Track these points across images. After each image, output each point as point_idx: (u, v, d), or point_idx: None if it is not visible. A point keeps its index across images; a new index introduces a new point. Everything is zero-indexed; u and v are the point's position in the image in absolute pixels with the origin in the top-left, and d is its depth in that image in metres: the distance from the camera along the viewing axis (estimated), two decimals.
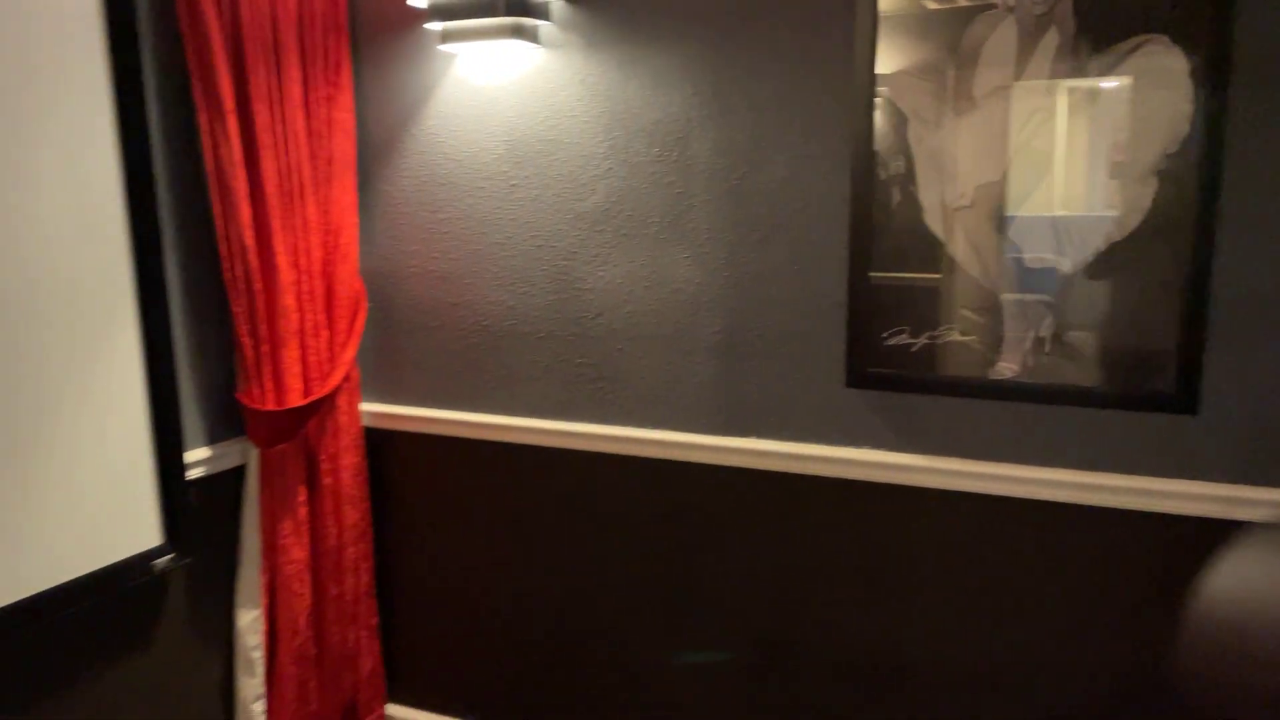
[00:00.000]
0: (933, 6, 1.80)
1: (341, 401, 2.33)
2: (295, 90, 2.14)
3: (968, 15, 1.78)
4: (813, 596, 2.10)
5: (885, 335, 1.94)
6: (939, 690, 2.02)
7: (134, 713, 1.98)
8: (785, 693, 2.16)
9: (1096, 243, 1.75)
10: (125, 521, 1.88)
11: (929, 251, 1.88)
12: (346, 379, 2.32)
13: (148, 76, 1.93)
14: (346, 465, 2.36)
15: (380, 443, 2.51)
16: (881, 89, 1.87)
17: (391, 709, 2.62)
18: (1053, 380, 1.82)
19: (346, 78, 2.29)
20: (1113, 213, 1.73)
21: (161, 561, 1.96)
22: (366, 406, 2.49)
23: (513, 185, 2.26)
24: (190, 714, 2.12)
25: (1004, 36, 1.76)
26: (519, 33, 2.13)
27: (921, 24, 1.82)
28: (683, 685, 2.26)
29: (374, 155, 2.41)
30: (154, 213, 1.90)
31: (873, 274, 1.93)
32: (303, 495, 2.25)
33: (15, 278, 1.66)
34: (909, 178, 1.88)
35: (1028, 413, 1.86)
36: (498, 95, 2.24)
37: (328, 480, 2.31)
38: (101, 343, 1.82)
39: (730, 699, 2.22)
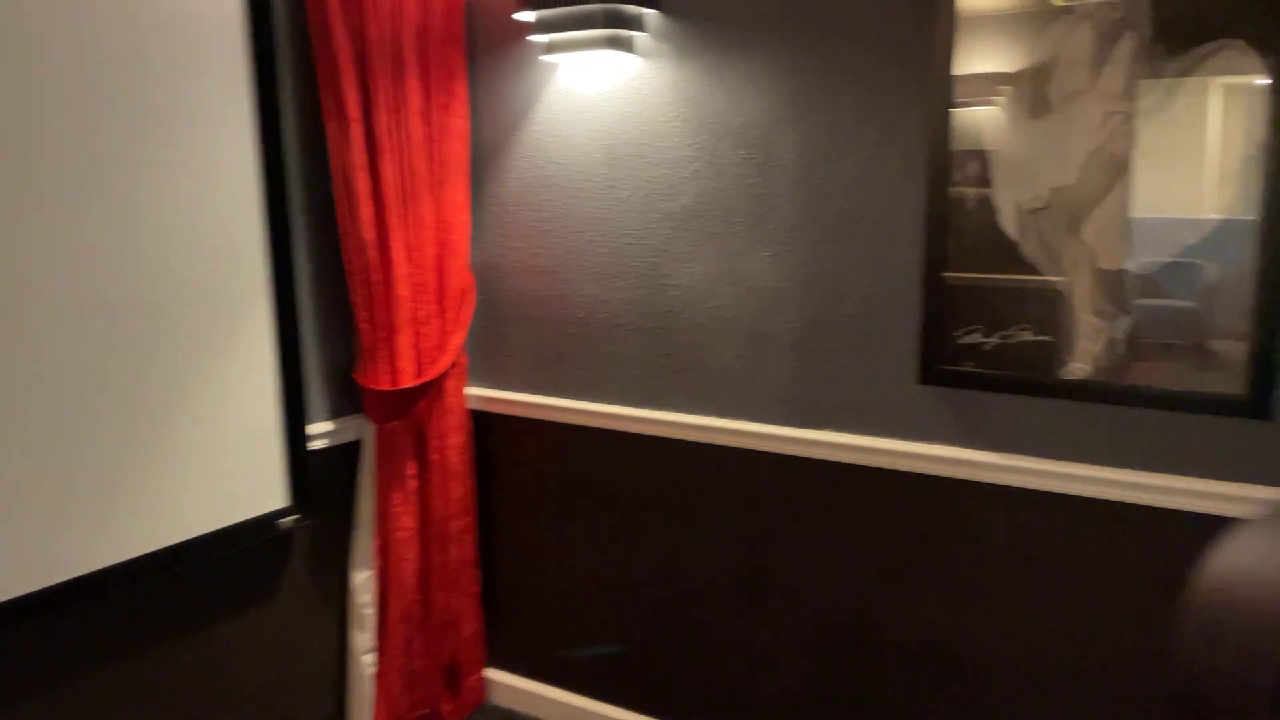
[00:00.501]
0: (1010, 10, 1.83)
1: (449, 385, 2.53)
2: (414, 99, 2.34)
3: (1045, 19, 1.81)
4: (883, 586, 2.16)
5: (958, 334, 1.99)
6: (1006, 682, 2.04)
7: (260, 656, 2.23)
8: (855, 676, 2.23)
9: (1176, 247, 1.75)
10: (256, 484, 2.13)
11: (1002, 252, 1.91)
12: (454, 364, 2.52)
13: (283, 89, 2.17)
14: (453, 444, 2.56)
15: (484, 424, 2.71)
16: (958, 92, 1.91)
17: (490, 672, 2.82)
18: (1125, 381, 1.82)
19: (461, 87, 2.49)
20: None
21: (286, 521, 2.20)
22: (472, 390, 2.69)
23: (608, 186, 2.41)
24: (308, 662, 2.36)
25: (1080, 41, 1.78)
26: (616, 43, 2.27)
27: (999, 28, 1.85)
28: (759, 663, 2.36)
29: (484, 158, 2.61)
30: (286, 210, 2.14)
31: (946, 274, 1.98)
32: (413, 469, 2.46)
33: (168, 266, 1.92)
34: (984, 180, 1.92)
35: (1098, 413, 1.88)
36: (596, 102, 2.39)
37: (435, 457, 2.52)
38: (239, 324, 2.06)
39: (803, 679, 2.30)
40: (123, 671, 1.93)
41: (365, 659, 2.42)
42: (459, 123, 2.49)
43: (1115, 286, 1.81)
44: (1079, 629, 1.95)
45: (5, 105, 1.63)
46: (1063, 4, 1.78)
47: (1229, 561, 0.68)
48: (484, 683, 2.78)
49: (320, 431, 2.31)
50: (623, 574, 2.54)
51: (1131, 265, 1.79)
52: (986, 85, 1.89)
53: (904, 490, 2.10)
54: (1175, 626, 0.71)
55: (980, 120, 1.90)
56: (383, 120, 2.26)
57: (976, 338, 1.97)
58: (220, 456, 2.04)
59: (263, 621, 2.23)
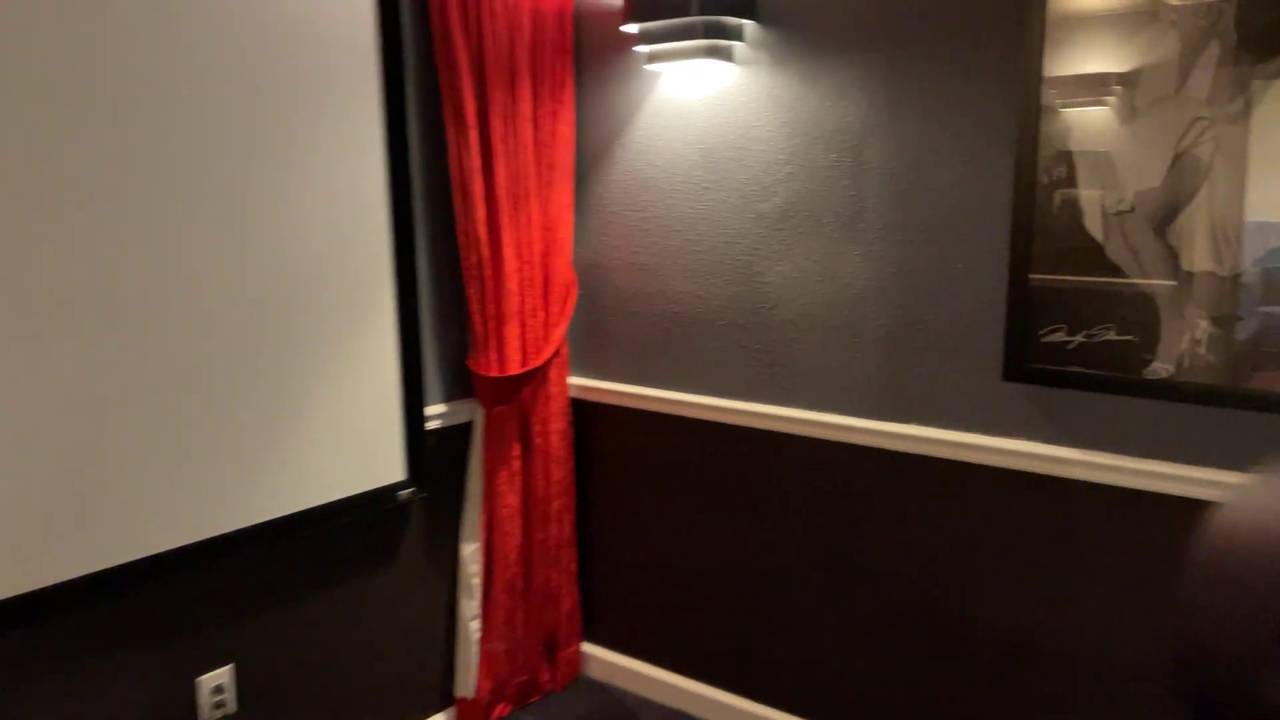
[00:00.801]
0: (1098, 16, 1.89)
1: (553, 374, 2.70)
2: (526, 107, 2.52)
3: (1133, 27, 1.86)
4: (966, 576, 2.23)
5: (1042, 332, 2.05)
6: (1089, 675, 2.09)
7: (381, 613, 2.45)
8: (938, 664, 2.30)
9: (1261, 249, 1.78)
10: (379, 458, 2.34)
11: (1088, 253, 1.97)
12: (557, 354, 2.70)
13: (409, 99, 2.37)
14: (555, 429, 2.74)
15: (584, 412, 2.87)
16: (1046, 98, 1.97)
17: (586, 647, 2.98)
18: (1207, 381, 1.86)
19: (569, 95, 2.66)
20: None
21: (404, 493, 2.41)
22: (574, 380, 2.86)
23: (704, 189, 2.54)
24: (421, 623, 2.57)
25: (1167, 47, 1.83)
26: (715, 53, 2.40)
27: (1088, 33, 1.91)
28: (845, 648, 2.46)
29: (589, 162, 2.77)
30: (410, 211, 2.34)
31: (1032, 274, 2.04)
32: (517, 451, 2.64)
33: (307, 264, 2.14)
34: (1070, 182, 1.97)
35: (1181, 412, 1.91)
36: (695, 108, 2.53)
37: (538, 441, 2.70)
38: (367, 315, 2.28)
39: (887, 665, 2.39)
40: (267, 616, 2.16)
41: (472, 625, 2.62)
42: (566, 129, 2.66)
43: (1212, 289, 1.85)
44: (1164, 625, 1.98)
45: (175, 121, 1.86)
46: (1155, 7, 1.83)
47: (1233, 511, 0.65)
48: (580, 656, 2.96)
49: (436, 413, 2.51)
50: (714, 558, 2.67)
51: (1217, 269, 1.83)
52: (1074, 90, 1.94)
53: (986, 483, 2.17)
54: (1181, 580, 0.70)
55: (1068, 124, 1.96)
56: (497, 127, 2.44)
57: (1060, 336, 2.03)
58: (350, 433, 2.26)
59: (384, 583, 2.44)
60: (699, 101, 2.52)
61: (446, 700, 2.66)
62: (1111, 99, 1.90)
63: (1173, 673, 0.68)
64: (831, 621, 2.47)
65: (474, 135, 2.39)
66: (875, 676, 2.41)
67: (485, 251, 2.46)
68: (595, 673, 2.98)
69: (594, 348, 2.84)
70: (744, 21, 2.40)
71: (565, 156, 2.67)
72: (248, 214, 2.00)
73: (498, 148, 2.45)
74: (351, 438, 2.27)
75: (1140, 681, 2.02)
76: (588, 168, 2.78)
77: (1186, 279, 1.87)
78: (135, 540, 1.87)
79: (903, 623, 2.35)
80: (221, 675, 2.08)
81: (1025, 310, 2.06)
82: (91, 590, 1.81)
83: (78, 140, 1.73)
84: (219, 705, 2.08)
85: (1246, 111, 1.77)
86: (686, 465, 2.68)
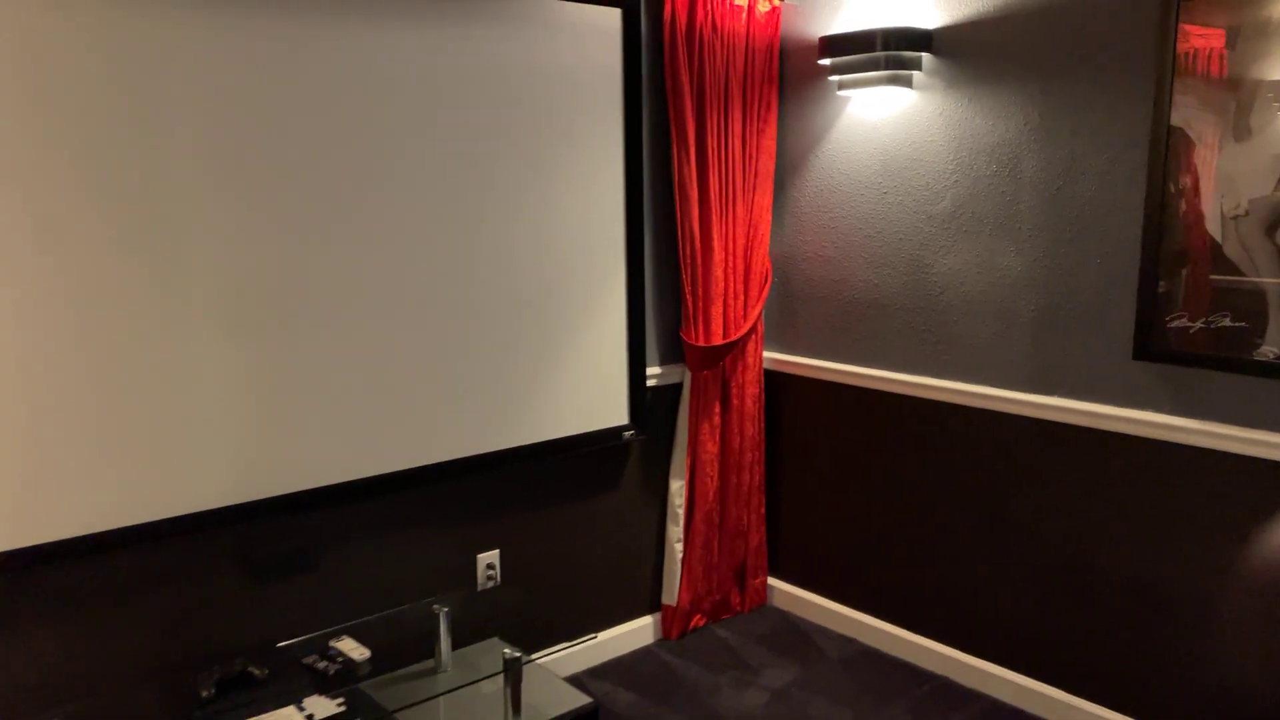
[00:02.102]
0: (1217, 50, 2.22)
1: (749, 347, 3.27)
2: (737, 127, 3.09)
3: (1250, 55, 2.17)
4: (1095, 530, 2.59)
5: (1168, 318, 2.39)
6: (1198, 620, 2.41)
7: (605, 530, 3.11)
8: (1070, 606, 2.67)
9: None
10: (608, 405, 3.00)
11: (1208, 252, 2.29)
12: (753, 330, 3.26)
13: (643, 125, 3.00)
14: (750, 394, 3.30)
15: (776, 381, 3.42)
16: (1175, 118, 2.32)
17: (772, 580, 3.53)
18: None
19: (774, 115, 3.20)
20: None
21: (627, 434, 3.06)
22: (767, 354, 3.41)
23: (884, 193, 3.01)
24: (637, 540, 3.21)
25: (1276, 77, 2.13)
26: (896, 80, 2.87)
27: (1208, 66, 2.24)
28: (993, 591, 2.87)
29: (787, 170, 3.30)
30: (640, 212, 2.98)
31: (1160, 269, 2.38)
32: (717, 409, 3.23)
33: (562, 255, 2.81)
34: (1194, 191, 2.31)
35: None
36: (878, 126, 3.01)
37: (735, 402, 3.27)
38: (605, 293, 2.93)
39: (1026, 605, 2.78)
40: (524, 518, 2.87)
41: (676, 546, 3.23)
42: (770, 143, 3.21)
43: None
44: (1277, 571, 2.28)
45: (475, 150, 2.58)
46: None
47: None
48: (766, 586, 3.51)
49: (654, 373, 3.14)
50: (883, 509, 3.14)
51: None
52: (1197, 114, 2.27)
53: (1117, 449, 2.53)
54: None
55: (1192, 142, 2.29)
56: (710, 144, 3.03)
57: (1183, 322, 2.36)
58: (588, 383, 2.92)
59: (609, 504, 3.10)
60: (881, 120, 3.00)
61: (654, 606, 3.29)
62: (1229, 121, 2.22)
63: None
64: (982, 566, 2.88)
65: (692, 151, 2.99)
66: (1017, 615, 2.80)
67: (697, 245, 3.05)
68: (778, 602, 3.52)
69: (785, 326, 3.38)
70: (921, 54, 2.85)
71: (768, 166, 3.22)
72: (522, 217, 2.70)
73: (711, 161, 3.04)
74: (590, 387, 2.93)
75: (1248, 622, 2.33)
76: (786, 175, 3.31)
77: None
78: (439, 447, 2.61)
79: (1043, 568, 2.73)
80: (492, 555, 2.81)
81: (1152, 299, 2.40)
82: (409, 480, 2.56)
83: (416, 164, 2.47)
84: (490, 577, 2.81)
85: None
86: (862, 429, 3.17)
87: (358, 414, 2.44)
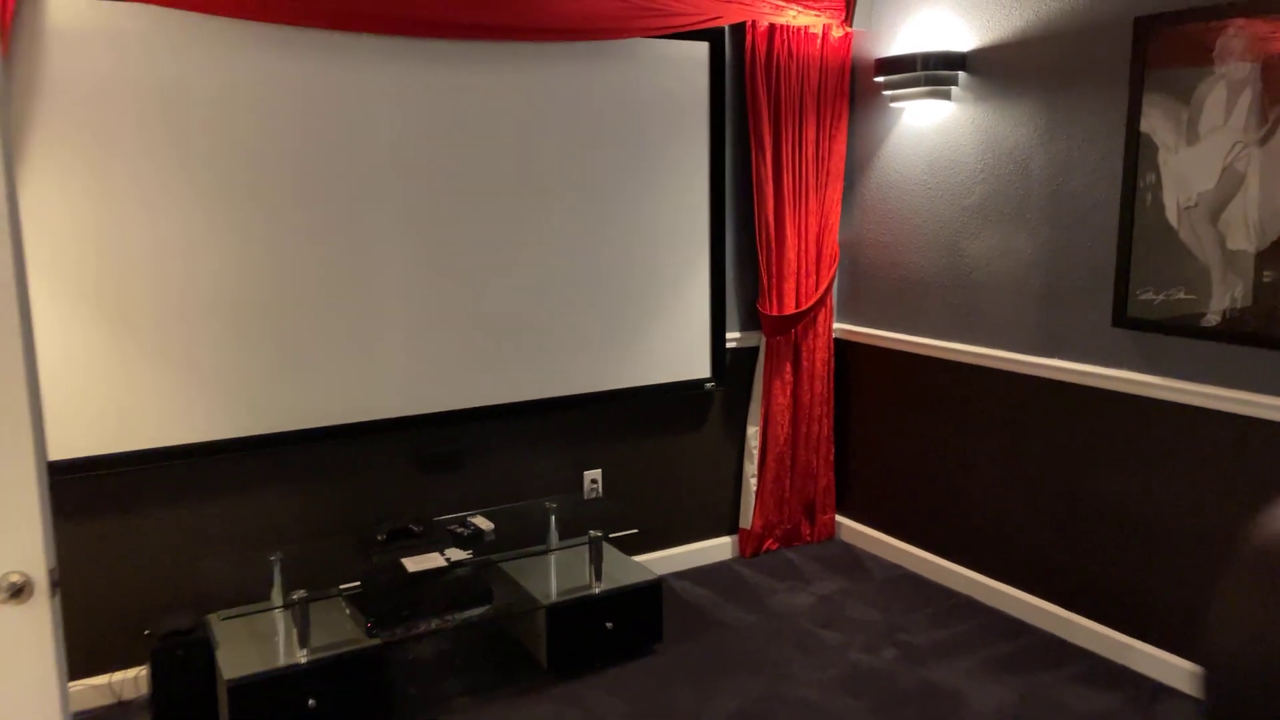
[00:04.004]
0: (1174, 71, 2.69)
1: (820, 317, 3.91)
2: (810, 133, 3.74)
3: (1197, 77, 2.65)
4: (1086, 464, 3.09)
5: (1138, 292, 2.87)
6: (1173, 538, 2.89)
7: (691, 462, 3.84)
8: (1068, 526, 3.18)
9: (1273, 234, 2.51)
10: (694, 360, 3.73)
11: (1166, 236, 2.77)
12: (822, 303, 3.89)
13: (726, 133, 3.71)
14: (819, 358, 3.94)
15: (844, 348, 4.04)
16: (1143, 126, 2.80)
17: (839, 517, 4.15)
18: (1244, 328, 2.60)
19: (844, 123, 3.83)
20: None
21: (710, 385, 3.78)
22: (837, 325, 4.03)
23: (928, 188, 3.58)
24: (717, 473, 3.92)
25: (1218, 93, 2.60)
26: (935, 94, 3.44)
27: (1168, 83, 2.72)
28: (1011, 519, 3.40)
29: (855, 169, 3.92)
30: (722, 205, 3.69)
31: (1131, 250, 2.87)
32: (789, 369, 3.89)
33: (656, 241, 3.56)
34: (1158, 186, 2.79)
35: (1227, 350, 2.66)
36: (924, 132, 3.58)
37: (805, 364, 3.92)
38: (692, 271, 3.66)
39: (1034, 529, 3.30)
40: (624, 446, 3.66)
41: (751, 480, 3.92)
42: (840, 146, 3.83)
43: (1236, 262, 2.60)
44: (1222, 502, 2.74)
45: (598, 155, 3.38)
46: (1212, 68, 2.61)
47: None
48: (834, 522, 4.14)
49: (733, 338, 3.84)
50: (929, 455, 3.71)
51: (1246, 245, 2.57)
52: (1159, 122, 2.75)
53: (1101, 401, 3.02)
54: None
55: (1155, 145, 2.77)
56: (785, 150, 3.69)
57: (1149, 295, 2.84)
58: (679, 342, 3.67)
59: (694, 442, 3.84)
60: (927, 128, 3.57)
61: (733, 529, 4.00)
62: (1183, 128, 2.69)
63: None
64: (1000, 501, 3.42)
65: (769, 156, 3.67)
66: (1027, 539, 3.33)
67: (771, 232, 3.73)
68: (844, 535, 4.14)
69: (851, 302, 3.99)
70: (957, 72, 3.41)
71: (839, 165, 3.85)
72: (631, 210, 3.47)
73: (785, 162, 3.70)
74: (680, 345, 3.68)
75: (1203, 541, 2.79)
76: (855, 173, 3.93)
77: (1230, 255, 2.62)
78: (563, 384, 3.43)
79: (1048, 498, 3.25)
80: (596, 473, 3.61)
81: (1126, 276, 2.89)
82: (538, 407, 3.39)
83: (563, 170, 3.30)
84: (593, 491, 3.61)
85: (1269, 136, 2.50)
86: (912, 388, 3.75)
87: (503, 354, 3.30)
